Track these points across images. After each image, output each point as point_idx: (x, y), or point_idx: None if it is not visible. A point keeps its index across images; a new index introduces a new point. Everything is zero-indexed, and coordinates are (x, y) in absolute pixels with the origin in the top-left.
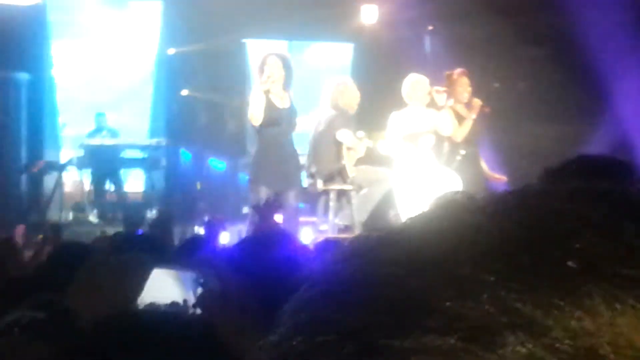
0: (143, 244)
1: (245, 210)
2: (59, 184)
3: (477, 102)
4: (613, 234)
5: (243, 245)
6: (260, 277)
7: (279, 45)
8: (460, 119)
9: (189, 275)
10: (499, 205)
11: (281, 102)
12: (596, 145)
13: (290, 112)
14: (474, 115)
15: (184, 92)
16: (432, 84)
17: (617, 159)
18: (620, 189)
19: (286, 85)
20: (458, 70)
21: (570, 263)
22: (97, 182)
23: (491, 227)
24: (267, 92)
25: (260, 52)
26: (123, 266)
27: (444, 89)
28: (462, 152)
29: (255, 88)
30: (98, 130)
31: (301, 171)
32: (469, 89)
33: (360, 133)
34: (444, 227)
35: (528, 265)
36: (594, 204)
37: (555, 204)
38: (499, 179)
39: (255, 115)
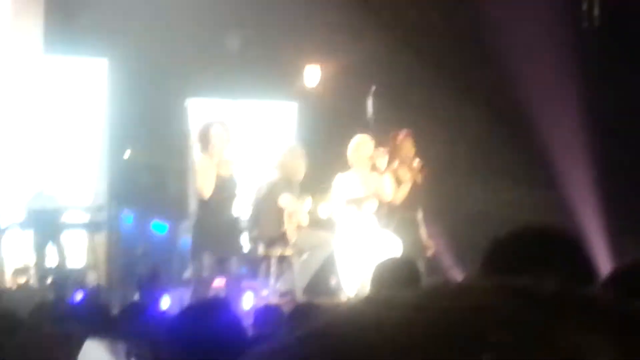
0: (81, 311)
1: (187, 274)
2: None
3: (417, 165)
4: (523, 330)
5: (183, 314)
6: (199, 347)
7: (223, 105)
8: (401, 181)
9: (123, 346)
10: (422, 300)
11: (225, 169)
12: (538, 208)
13: (233, 180)
14: (413, 178)
15: (127, 154)
16: (376, 144)
17: (561, 231)
18: (535, 285)
19: (229, 152)
20: (403, 132)
21: (485, 357)
22: (38, 246)
23: (414, 323)
24: (214, 163)
25: (203, 120)
26: (56, 338)
27: (386, 151)
28: (402, 215)
29: (201, 158)
30: (40, 193)
31: (242, 237)
32: (413, 150)
33: (308, 201)
34: (367, 324)
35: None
36: (509, 301)
37: (474, 300)
38: (435, 246)
39: (205, 188)
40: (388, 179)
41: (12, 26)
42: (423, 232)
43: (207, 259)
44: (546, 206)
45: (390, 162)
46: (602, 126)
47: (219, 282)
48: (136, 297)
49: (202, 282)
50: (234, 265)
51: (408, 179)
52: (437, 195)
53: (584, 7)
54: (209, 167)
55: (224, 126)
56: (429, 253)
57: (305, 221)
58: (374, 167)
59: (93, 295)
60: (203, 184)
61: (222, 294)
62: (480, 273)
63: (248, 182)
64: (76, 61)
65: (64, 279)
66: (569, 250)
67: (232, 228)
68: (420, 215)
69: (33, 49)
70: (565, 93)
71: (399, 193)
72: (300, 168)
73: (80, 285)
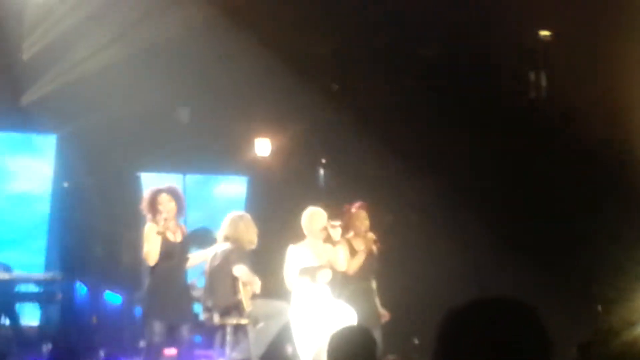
0: None
1: (142, 343)
2: None
3: (371, 236)
4: None
5: None
6: None
7: (173, 179)
8: (355, 252)
9: None
10: None
11: (174, 236)
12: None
13: (183, 246)
14: (367, 248)
15: (79, 225)
16: (329, 216)
17: (514, 300)
18: None
19: (178, 217)
20: (357, 204)
21: None
22: None
23: None
24: (162, 233)
25: (148, 189)
26: None
27: (339, 223)
28: (356, 285)
29: (148, 226)
30: None
31: (193, 304)
32: (367, 222)
33: (259, 267)
34: None
35: None
36: None
37: None
38: (389, 315)
39: (151, 254)
40: (342, 250)
41: None
42: (377, 301)
43: (157, 327)
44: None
45: (344, 233)
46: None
47: (170, 351)
48: None
49: (153, 351)
50: (186, 332)
51: (362, 249)
52: (390, 264)
53: (532, 78)
54: (155, 234)
55: (168, 192)
56: (384, 321)
57: (258, 290)
58: (327, 238)
59: None
60: (149, 251)
61: None
62: (436, 345)
63: (200, 251)
64: (25, 138)
65: (18, 350)
66: (523, 320)
67: (183, 295)
68: (374, 284)
69: None
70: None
71: (353, 263)
72: (253, 237)
73: (35, 355)
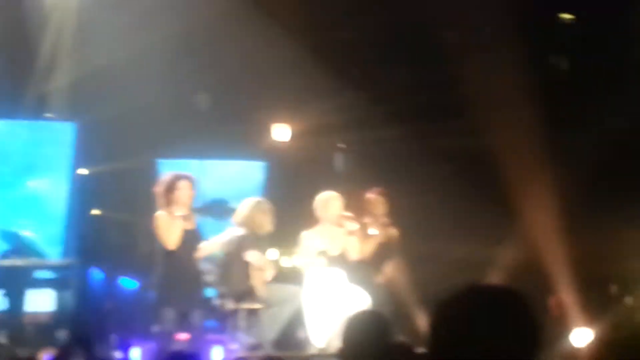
0: None
1: (155, 329)
2: None
3: (385, 221)
4: None
5: None
6: None
7: (192, 165)
8: (368, 237)
9: None
10: None
11: (188, 223)
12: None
13: (196, 233)
14: (383, 235)
15: (95, 212)
16: (345, 202)
17: (505, 290)
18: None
19: (193, 206)
20: (375, 190)
21: None
22: (7, 303)
23: None
24: (178, 216)
25: (167, 174)
26: None
27: (352, 215)
28: (371, 270)
29: (165, 211)
30: (10, 250)
31: (205, 290)
32: (384, 207)
33: (274, 252)
34: None
35: None
36: None
37: None
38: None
39: (171, 239)
40: (355, 239)
41: None
42: (392, 285)
43: (169, 314)
44: (514, 263)
45: (360, 219)
46: (571, 178)
47: (183, 336)
48: (106, 352)
49: (166, 336)
50: (198, 318)
51: (376, 234)
52: (407, 251)
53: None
54: (172, 220)
55: (188, 179)
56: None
57: (271, 275)
58: (342, 224)
59: (64, 351)
60: (168, 237)
61: (187, 348)
62: (428, 334)
63: (216, 237)
64: (43, 125)
65: (33, 336)
66: (513, 308)
67: (195, 282)
68: (389, 269)
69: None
70: (536, 147)
71: (364, 248)
72: (266, 223)
73: (51, 341)
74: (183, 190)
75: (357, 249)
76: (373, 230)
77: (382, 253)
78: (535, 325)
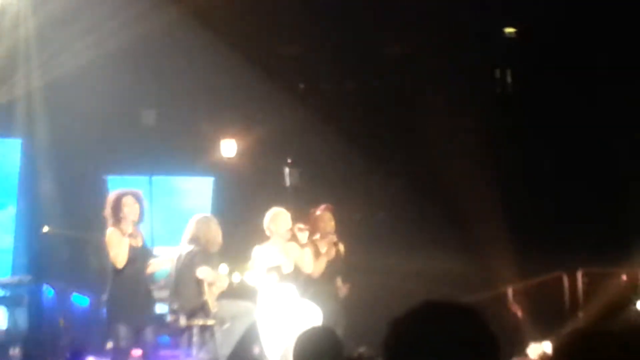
0: None
1: (109, 345)
2: None
3: (332, 238)
4: None
5: None
6: None
7: (139, 182)
8: (319, 254)
9: None
10: None
11: (135, 241)
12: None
13: (144, 251)
14: (332, 251)
15: (46, 229)
16: (294, 217)
17: (459, 306)
18: None
19: (139, 222)
20: (322, 206)
21: None
22: None
23: None
24: (126, 233)
25: (112, 192)
26: None
27: (306, 226)
28: (319, 286)
29: (111, 231)
30: None
31: (155, 307)
32: (332, 223)
33: (224, 267)
34: None
35: None
36: None
37: None
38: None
39: (120, 257)
40: (309, 252)
41: None
42: (341, 302)
43: (122, 331)
44: (465, 274)
45: (310, 235)
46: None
47: (137, 352)
48: None
49: (120, 353)
50: (151, 335)
51: (325, 251)
52: (359, 262)
53: (497, 75)
54: (121, 237)
55: (132, 195)
56: (342, 295)
57: (222, 288)
58: (292, 239)
59: None
60: (117, 254)
61: None
62: (382, 351)
63: (165, 253)
64: None
65: None
66: (469, 323)
67: (146, 299)
68: (339, 283)
69: None
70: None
71: (317, 266)
72: (217, 238)
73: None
74: (128, 207)
75: (310, 264)
76: (322, 246)
77: (332, 268)
78: (492, 339)
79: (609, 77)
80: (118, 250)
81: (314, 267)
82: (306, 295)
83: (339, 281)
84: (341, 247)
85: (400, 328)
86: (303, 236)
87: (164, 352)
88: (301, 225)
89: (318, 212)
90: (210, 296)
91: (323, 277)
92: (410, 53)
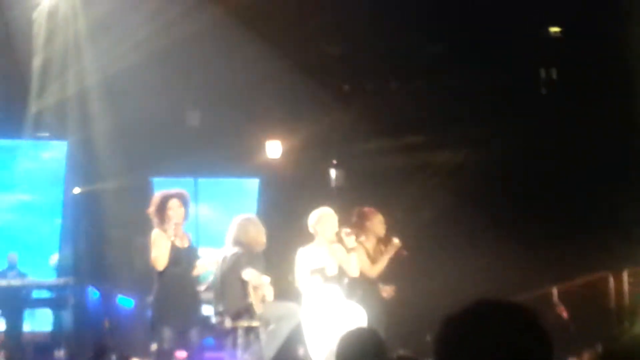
0: None
1: (153, 347)
2: None
3: (397, 242)
4: None
5: None
6: None
7: (185, 183)
8: (376, 256)
9: None
10: None
11: (181, 242)
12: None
13: (190, 252)
14: (388, 254)
15: (90, 230)
16: (340, 218)
17: (513, 305)
18: None
19: (186, 223)
20: (369, 209)
21: None
22: (5, 323)
23: None
24: (170, 235)
25: (158, 193)
26: None
27: (353, 230)
28: (365, 288)
29: (155, 232)
30: (8, 269)
31: (201, 308)
32: (384, 226)
33: (266, 278)
34: None
35: None
36: None
37: None
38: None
39: (159, 260)
40: (355, 257)
41: None
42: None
43: (167, 333)
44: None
45: (357, 236)
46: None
47: (181, 354)
48: None
49: (164, 355)
50: (196, 336)
51: (383, 253)
52: (404, 262)
53: (542, 74)
54: (164, 239)
55: (178, 197)
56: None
57: (270, 295)
58: (338, 240)
59: None
60: (157, 256)
61: None
62: (434, 349)
63: (211, 255)
64: (36, 145)
65: (32, 356)
66: (522, 323)
67: (191, 301)
68: (385, 286)
69: None
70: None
71: (376, 268)
72: (258, 239)
73: None
74: (173, 210)
75: (357, 267)
76: (380, 249)
77: (385, 272)
78: (545, 339)
79: None
80: (159, 252)
81: (373, 269)
82: (353, 298)
83: (390, 282)
84: (394, 246)
85: (453, 326)
86: (350, 240)
87: (208, 354)
88: (347, 230)
89: (366, 214)
90: (255, 298)
91: (369, 278)
92: (454, 52)
